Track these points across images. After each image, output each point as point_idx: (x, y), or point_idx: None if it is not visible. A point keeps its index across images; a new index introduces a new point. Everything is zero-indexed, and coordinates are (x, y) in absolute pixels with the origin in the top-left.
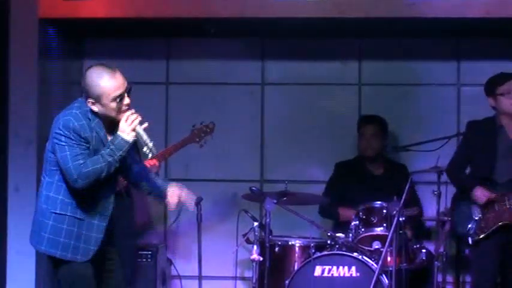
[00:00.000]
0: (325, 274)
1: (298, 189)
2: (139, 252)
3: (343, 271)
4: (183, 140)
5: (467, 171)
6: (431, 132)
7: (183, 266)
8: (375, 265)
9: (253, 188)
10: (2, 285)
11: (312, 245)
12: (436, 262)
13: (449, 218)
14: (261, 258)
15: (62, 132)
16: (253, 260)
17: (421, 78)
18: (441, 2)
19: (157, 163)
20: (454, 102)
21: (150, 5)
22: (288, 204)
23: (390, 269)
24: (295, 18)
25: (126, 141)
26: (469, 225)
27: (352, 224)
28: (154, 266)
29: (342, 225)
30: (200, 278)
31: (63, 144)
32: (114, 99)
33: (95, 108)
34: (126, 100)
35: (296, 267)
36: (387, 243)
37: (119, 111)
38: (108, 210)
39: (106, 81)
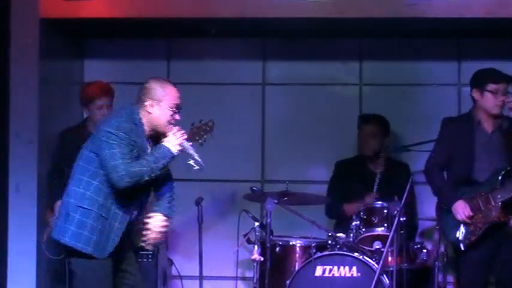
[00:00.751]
0: (326, 274)
1: (299, 189)
2: (140, 253)
3: (344, 271)
4: None
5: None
6: (431, 132)
7: (184, 266)
8: (376, 265)
9: (254, 188)
10: (3, 285)
11: (313, 245)
12: (436, 262)
13: (437, 227)
14: (262, 258)
15: (112, 131)
16: (254, 260)
17: (421, 79)
18: (442, 2)
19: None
20: (455, 102)
21: (151, 5)
22: (289, 204)
23: (391, 269)
24: (296, 19)
25: (171, 152)
26: (458, 232)
27: (353, 224)
28: (155, 266)
29: (343, 225)
30: (201, 278)
31: (112, 142)
32: (172, 107)
33: (152, 110)
34: (177, 116)
35: (297, 267)
36: (388, 243)
37: (170, 122)
38: (131, 216)
39: (171, 88)
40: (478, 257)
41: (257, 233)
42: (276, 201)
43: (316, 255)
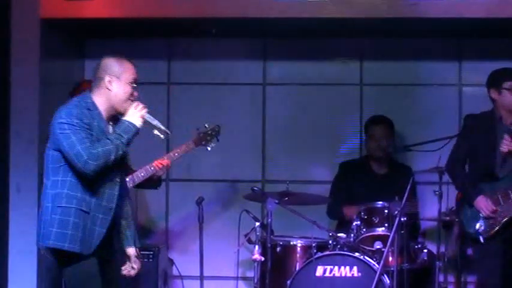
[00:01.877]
0: (327, 274)
1: (300, 189)
2: (141, 253)
3: (344, 271)
4: (189, 143)
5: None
6: (432, 132)
7: (185, 266)
8: (377, 265)
9: (255, 188)
10: (4, 285)
11: (314, 245)
12: (437, 262)
13: (457, 220)
14: (263, 258)
15: (64, 121)
16: (254, 260)
17: (422, 79)
18: (442, 2)
19: (169, 163)
20: (456, 102)
21: (151, 5)
22: (290, 204)
23: (392, 269)
24: (297, 19)
25: (134, 125)
26: (478, 224)
27: (354, 224)
28: (155, 266)
29: (344, 225)
30: (202, 278)
31: (68, 131)
32: (131, 82)
33: (111, 86)
34: (135, 93)
35: (298, 267)
36: (389, 243)
37: (129, 98)
38: (113, 205)
39: (128, 63)
40: (495, 249)
41: (258, 233)
42: (276, 201)
43: (316, 255)
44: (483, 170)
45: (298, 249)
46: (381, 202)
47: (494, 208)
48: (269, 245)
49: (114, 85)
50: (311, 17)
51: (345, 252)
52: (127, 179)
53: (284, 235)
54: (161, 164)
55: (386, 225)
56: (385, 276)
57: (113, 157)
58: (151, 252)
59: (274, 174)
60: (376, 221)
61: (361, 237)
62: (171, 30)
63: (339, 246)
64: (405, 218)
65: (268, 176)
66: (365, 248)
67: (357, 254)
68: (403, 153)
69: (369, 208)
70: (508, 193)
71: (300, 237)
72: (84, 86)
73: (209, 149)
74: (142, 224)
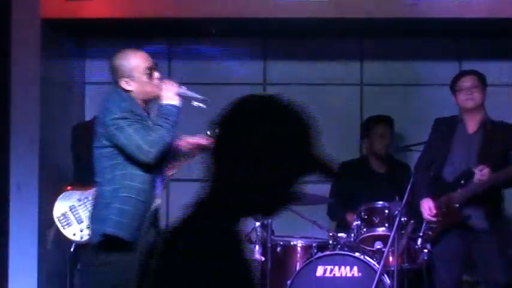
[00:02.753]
0: (327, 274)
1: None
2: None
3: (345, 271)
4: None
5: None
6: None
7: None
8: (377, 265)
9: None
10: (4, 285)
11: (314, 245)
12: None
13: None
14: (263, 258)
15: (117, 116)
16: (255, 260)
17: (422, 79)
18: (442, 2)
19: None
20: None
21: (151, 5)
22: None
23: (392, 269)
24: (297, 19)
25: (174, 106)
26: (424, 227)
27: (354, 224)
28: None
29: (344, 226)
30: None
31: (123, 125)
32: (145, 72)
33: (130, 87)
34: (156, 74)
35: (298, 267)
36: (389, 243)
37: (153, 85)
38: (158, 193)
39: (132, 56)
40: (441, 254)
41: (258, 233)
42: None
43: (317, 255)
44: (435, 175)
45: (299, 249)
46: (381, 202)
47: (435, 212)
48: (269, 245)
49: (132, 84)
50: (311, 17)
51: (345, 252)
52: None
53: (284, 235)
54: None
55: (386, 225)
56: (386, 276)
57: (167, 140)
58: None
59: None
60: (377, 221)
61: (361, 237)
62: (171, 30)
63: (339, 246)
64: (405, 218)
65: None
66: (365, 248)
67: (357, 254)
68: (403, 153)
69: (369, 208)
70: (451, 198)
71: (300, 237)
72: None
73: None
74: None
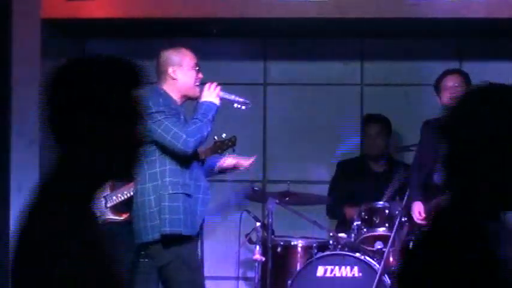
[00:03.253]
0: (328, 274)
1: (300, 190)
2: (141, 252)
3: (345, 271)
4: (204, 151)
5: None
6: None
7: None
8: (377, 265)
9: (256, 188)
10: (5, 284)
11: (314, 245)
12: None
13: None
14: (263, 259)
15: (153, 110)
16: (255, 260)
17: (422, 79)
18: (442, 2)
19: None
20: None
21: (151, 5)
22: (290, 204)
23: (393, 269)
24: (297, 19)
25: (214, 104)
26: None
27: (355, 224)
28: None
29: (345, 226)
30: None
31: (160, 119)
32: (194, 67)
33: (176, 76)
34: (200, 75)
35: (298, 268)
36: (389, 244)
37: (196, 82)
38: (206, 183)
39: (184, 50)
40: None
41: (258, 233)
42: (277, 201)
43: (317, 256)
44: (425, 178)
45: (299, 249)
46: (381, 202)
47: (424, 215)
48: (270, 245)
49: (179, 74)
50: (311, 17)
51: (346, 253)
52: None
53: (285, 235)
54: None
55: (387, 225)
56: (386, 276)
57: (205, 133)
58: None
59: (274, 175)
60: (377, 221)
61: (361, 237)
62: (171, 30)
63: (339, 246)
64: (405, 218)
65: (269, 176)
66: (366, 248)
67: (357, 254)
68: (402, 153)
69: (369, 208)
70: (440, 205)
71: (301, 238)
72: None
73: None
74: None
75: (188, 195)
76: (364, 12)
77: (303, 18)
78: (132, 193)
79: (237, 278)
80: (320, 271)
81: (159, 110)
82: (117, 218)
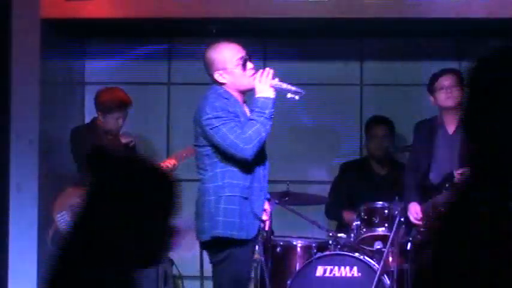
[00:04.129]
0: (327, 274)
1: (300, 190)
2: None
3: (344, 271)
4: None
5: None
6: None
7: (185, 265)
8: (377, 265)
9: None
10: (4, 286)
11: (314, 245)
12: None
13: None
14: (263, 258)
15: (211, 116)
16: (255, 260)
17: (423, 79)
18: (443, 2)
19: (176, 163)
20: None
21: (152, 5)
22: (290, 205)
23: (392, 269)
24: (296, 19)
25: (268, 98)
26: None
27: (354, 224)
28: (155, 266)
29: (344, 226)
30: (202, 278)
31: (217, 125)
32: (239, 64)
33: (224, 79)
34: (250, 65)
35: (298, 268)
36: (389, 244)
37: (247, 76)
38: (265, 185)
39: (224, 48)
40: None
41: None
42: (276, 201)
43: (317, 256)
44: (421, 178)
45: (298, 249)
46: (381, 202)
47: (421, 216)
48: (269, 245)
49: (226, 76)
50: (311, 17)
51: (345, 253)
52: None
53: (284, 235)
54: (169, 163)
55: (386, 225)
56: (385, 276)
57: (263, 134)
58: None
59: (274, 175)
60: (376, 221)
61: (361, 237)
62: (171, 30)
63: (339, 246)
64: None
65: (269, 176)
66: (365, 248)
67: (357, 254)
68: (403, 153)
69: (369, 208)
70: (436, 205)
71: (300, 238)
72: (112, 99)
73: None
74: None
75: (245, 198)
76: (365, 12)
77: (303, 18)
78: None
79: None
80: (319, 271)
81: (216, 116)
82: None
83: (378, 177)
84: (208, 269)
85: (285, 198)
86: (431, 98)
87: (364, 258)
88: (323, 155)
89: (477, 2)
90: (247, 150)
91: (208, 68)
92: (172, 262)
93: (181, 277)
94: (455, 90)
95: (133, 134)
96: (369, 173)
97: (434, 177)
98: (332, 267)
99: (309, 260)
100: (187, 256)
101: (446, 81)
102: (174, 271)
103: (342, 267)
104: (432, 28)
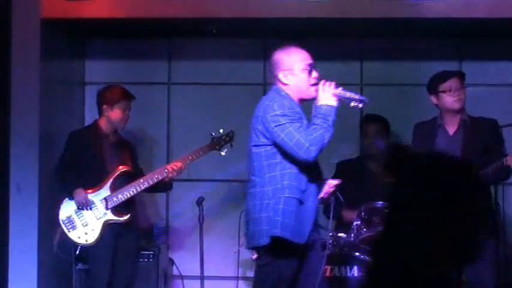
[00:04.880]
0: (327, 274)
1: None
2: (141, 253)
3: (344, 271)
4: (203, 147)
5: None
6: None
7: (185, 265)
8: None
9: None
10: (4, 285)
11: None
12: None
13: None
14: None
15: (278, 113)
16: (254, 260)
17: (422, 79)
18: (442, 2)
19: (183, 166)
20: None
21: (152, 5)
22: None
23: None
24: (297, 19)
25: (332, 106)
26: None
27: (354, 223)
28: (156, 266)
29: (344, 225)
30: (202, 278)
31: (283, 122)
32: (305, 69)
33: (288, 80)
34: (315, 74)
35: None
36: None
37: (310, 83)
38: (318, 194)
39: (296, 51)
40: None
41: None
42: None
43: None
44: None
45: None
46: (381, 202)
47: None
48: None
49: (290, 78)
50: (311, 17)
51: (345, 252)
52: (141, 181)
53: None
54: (175, 166)
55: None
56: None
57: (326, 140)
58: (152, 252)
59: None
60: (377, 221)
61: (361, 237)
62: (171, 30)
63: (339, 246)
64: None
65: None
66: (365, 248)
67: (357, 254)
68: None
69: (369, 208)
70: None
71: None
72: (117, 90)
73: (223, 153)
74: (142, 224)
75: (301, 202)
76: (364, 12)
77: (304, 18)
78: (131, 194)
79: (237, 278)
80: None
81: (283, 114)
82: (118, 219)
83: (373, 175)
84: (209, 268)
85: None
86: (433, 99)
87: (364, 257)
88: (322, 154)
89: (477, 2)
90: (312, 151)
91: (275, 67)
92: (172, 262)
93: (181, 277)
94: (462, 93)
95: (134, 132)
96: (364, 171)
97: None
98: (332, 266)
99: None
100: (187, 256)
101: (453, 83)
102: (175, 271)
103: (342, 267)
104: (432, 28)
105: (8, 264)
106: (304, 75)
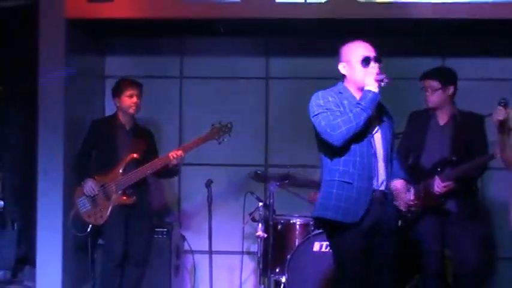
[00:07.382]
0: (323, 249)
1: (299, 173)
2: (156, 230)
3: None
4: (202, 137)
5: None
6: None
7: (195, 241)
8: None
9: (259, 172)
10: (33, 259)
11: (311, 223)
12: None
13: None
14: (265, 235)
15: (314, 104)
16: (258, 237)
17: (409, 73)
18: (429, 4)
19: (183, 154)
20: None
21: (166, 6)
22: (290, 186)
23: None
24: (297, 19)
25: (370, 91)
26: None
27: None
28: (169, 242)
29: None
30: (210, 252)
31: (316, 113)
32: (361, 61)
33: (345, 71)
34: (373, 65)
35: (297, 243)
36: None
37: (365, 74)
38: (376, 174)
39: (354, 45)
40: (423, 231)
41: (261, 212)
42: (278, 183)
43: (314, 232)
44: (412, 164)
45: (297, 226)
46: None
47: (411, 198)
48: (271, 223)
49: (347, 69)
50: (311, 17)
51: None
52: (146, 167)
53: (285, 214)
54: (176, 154)
55: None
56: None
57: (354, 124)
58: (166, 229)
59: (276, 159)
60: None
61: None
62: (183, 29)
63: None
64: None
65: (271, 161)
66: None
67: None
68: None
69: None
70: (428, 185)
71: (299, 216)
72: (123, 80)
73: (224, 140)
74: (156, 205)
75: (347, 183)
76: (364, 12)
77: (303, 19)
78: (137, 178)
79: (242, 252)
80: (316, 246)
81: (316, 104)
82: (127, 201)
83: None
84: (216, 244)
85: (285, 181)
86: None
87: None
88: None
89: (458, 4)
90: (334, 136)
91: (338, 59)
92: (184, 238)
93: (192, 252)
94: (430, 94)
95: (148, 119)
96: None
97: (425, 162)
98: (327, 242)
99: (307, 237)
100: (197, 233)
101: (424, 84)
102: (186, 246)
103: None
104: (418, 27)
105: (36, 240)
106: (359, 66)
